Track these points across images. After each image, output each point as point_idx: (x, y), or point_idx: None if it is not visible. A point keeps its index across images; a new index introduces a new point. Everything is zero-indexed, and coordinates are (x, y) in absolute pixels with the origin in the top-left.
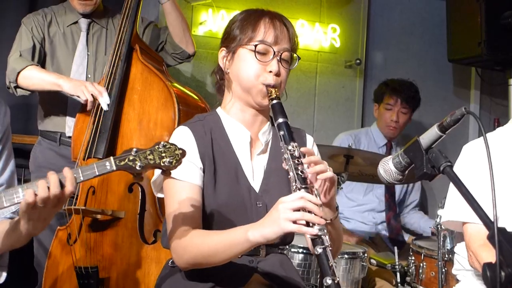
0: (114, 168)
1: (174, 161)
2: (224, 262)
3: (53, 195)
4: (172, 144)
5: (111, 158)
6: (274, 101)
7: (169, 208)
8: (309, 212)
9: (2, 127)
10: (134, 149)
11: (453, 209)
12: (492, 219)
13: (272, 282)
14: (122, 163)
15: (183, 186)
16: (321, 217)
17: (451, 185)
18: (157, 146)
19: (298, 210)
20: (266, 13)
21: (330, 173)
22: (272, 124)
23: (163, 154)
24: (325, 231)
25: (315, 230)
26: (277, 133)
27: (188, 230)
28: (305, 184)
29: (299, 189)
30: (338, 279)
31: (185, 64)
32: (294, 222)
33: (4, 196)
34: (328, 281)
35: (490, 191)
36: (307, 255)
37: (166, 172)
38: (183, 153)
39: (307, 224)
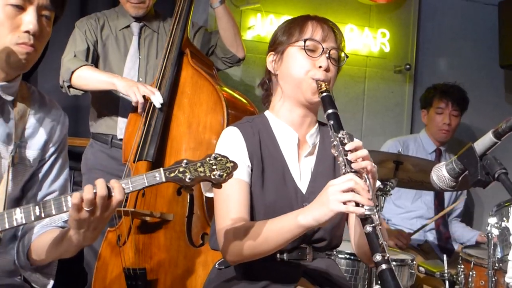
0: (164, 179)
1: (225, 174)
2: (276, 249)
3: (99, 198)
4: (223, 157)
5: (161, 169)
6: (324, 94)
7: (219, 204)
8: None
9: (59, 136)
10: (185, 161)
11: None
12: None
13: (319, 286)
14: (172, 174)
15: (233, 182)
16: (370, 199)
17: None
18: (208, 158)
19: (347, 191)
20: (312, 17)
21: (371, 164)
22: (321, 125)
23: (214, 167)
24: (375, 210)
25: (363, 210)
26: (327, 130)
27: (238, 223)
28: (354, 169)
29: (348, 173)
30: (388, 255)
31: (234, 68)
32: (344, 203)
33: (53, 204)
34: (378, 257)
35: None
36: (355, 261)
37: (216, 185)
38: (235, 166)
39: (356, 205)
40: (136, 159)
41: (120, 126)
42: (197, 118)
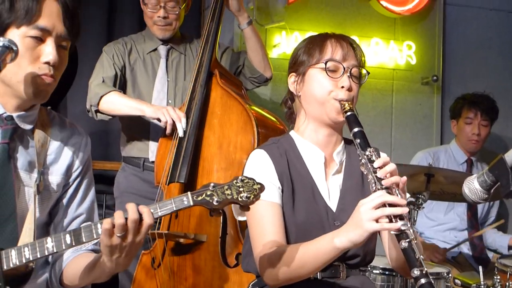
0: (191, 203)
1: (252, 196)
2: (313, 273)
3: (131, 222)
4: (250, 179)
5: (189, 193)
6: (349, 113)
7: (253, 229)
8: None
9: (83, 158)
10: (212, 184)
11: None
12: None
13: None
14: (200, 198)
15: (265, 206)
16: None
17: None
18: (235, 181)
19: (379, 208)
20: (330, 35)
21: (400, 178)
22: (346, 143)
23: (241, 189)
24: (409, 225)
25: (398, 225)
26: (353, 147)
27: (274, 247)
28: (384, 185)
29: (378, 190)
30: (426, 269)
31: (261, 87)
32: (377, 221)
33: (83, 231)
34: (416, 272)
35: None
36: (390, 276)
37: (244, 208)
38: (262, 188)
39: (390, 221)
40: (168, 181)
41: (151, 149)
42: (227, 138)
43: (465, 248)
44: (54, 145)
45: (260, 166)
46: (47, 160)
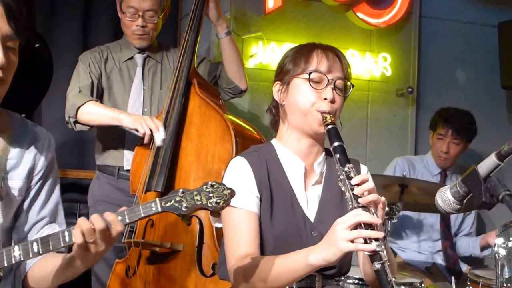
0: (160, 209)
1: (222, 201)
2: (286, 286)
3: (98, 232)
4: (220, 184)
5: (157, 199)
6: (330, 126)
7: (228, 236)
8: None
9: (45, 160)
10: (181, 190)
11: None
12: None
13: None
14: (168, 204)
15: (242, 214)
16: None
17: None
18: (205, 186)
19: (355, 228)
20: (318, 45)
21: (378, 197)
22: (327, 154)
23: (211, 195)
24: (383, 246)
25: (373, 246)
26: (333, 158)
27: (248, 257)
28: (361, 203)
29: (355, 208)
30: None
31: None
32: (352, 241)
33: (50, 240)
34: None
35: None
36: (363, 286)
37: (214, 214)
38: (232, 193)
39: (365, 241)
40: (145, 189)
41: (126, 157)
42: (205, 147)
43: (439, 259)
44: (15, 149)
45: (239, 174)
46: (7, 165)
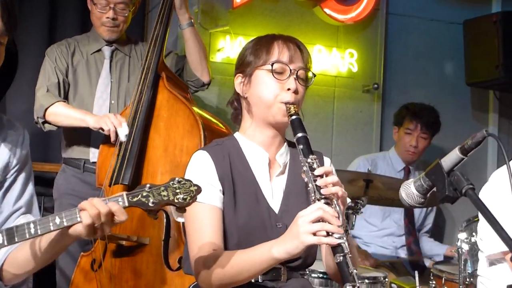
0: (126, 204)
1: (188, 198)
2: (249, 280)
3: (103, 214)
4: (187, 180)
5: (124, 193)
6: (294, 117)
7: (190, 231)
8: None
9: (20, 155)
10: (148, 185)
11: (494, 241)
12: None
13: None
14: (135, 199)
15: (204, 208)
16: (340, 226)
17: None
18: (172, 182)
19: (317, 221)
20: (278, 36)
21: (341, 189)
22: (289, 145)
23: (178, 191)
24: (345, 239)
25: (335, 240)
26: (296, 149)
27: (210, 251)
28: (324, 195)
29: (318, 200)
30: (358, 285)
31: (206, 91)
32: (314, 234)
33: (15, 231)
34: (348, 287)
35: None
36: (328, 280)
37: (180, 209)
38: (198, 190)
39: (327, 234)
40: (113, 182)
41: (92, 150)
42: (173, 141)
43: (403, 254)
44: None
45: (202, 168)
46: None
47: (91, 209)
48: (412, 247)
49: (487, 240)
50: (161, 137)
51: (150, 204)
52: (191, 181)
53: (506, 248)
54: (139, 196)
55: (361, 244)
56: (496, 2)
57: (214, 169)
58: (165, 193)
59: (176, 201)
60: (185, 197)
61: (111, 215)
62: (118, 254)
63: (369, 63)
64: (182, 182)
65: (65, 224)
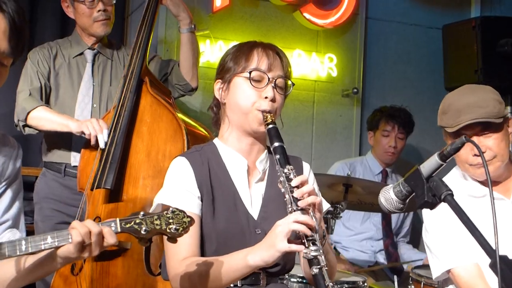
0: (119, 230)
1: (181, 229)
2: (226, 286)
3: (94, 233)
4: (181, 211)
5: (117, 219)
6: (270, 126)
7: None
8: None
9: (12, 168)
10: (142, 213)
11: (436, 264)
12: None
13: None
14: (128, 225)
15: None
16: (316, 236)
17: (427, 243)
18: (166, 212)
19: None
20: (258, 44)
21: (316, 199)
22: (269, 152)
23: (171, 221)
24: (321, 251)
25: (311, 251)
26: (274, 159)
27: (187, 259)
28: (300, 206)
29: (294, 211)
30: None
31: (188, 96)
32: (290, 242)
33: (7, 247)
34: None
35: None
36: (307, 284)
37: (171, 240)
38: (191, 221)
39: (303, 245)
40: (95, 187)
41: (73, 153)
42: (156, 146)
43: (381, 258)
44: None
45: (180, 174)
46: None
47: (82, 227)
48: (390, 249)
49: (431, 264)
50: (144, 141)
51: (143, 232)
52: (185, 212)
53: (448, 267)
54: (132, 223)
55: (341, 249)
56: (475, 7)
57: (193, 175)
58: (158, 222)
59: (168, 231)
60: (177, 227)
61: (101, 236)
62: (99, 258)
63: (349, 67)
64: (176, 213)
65: (57, 244)
